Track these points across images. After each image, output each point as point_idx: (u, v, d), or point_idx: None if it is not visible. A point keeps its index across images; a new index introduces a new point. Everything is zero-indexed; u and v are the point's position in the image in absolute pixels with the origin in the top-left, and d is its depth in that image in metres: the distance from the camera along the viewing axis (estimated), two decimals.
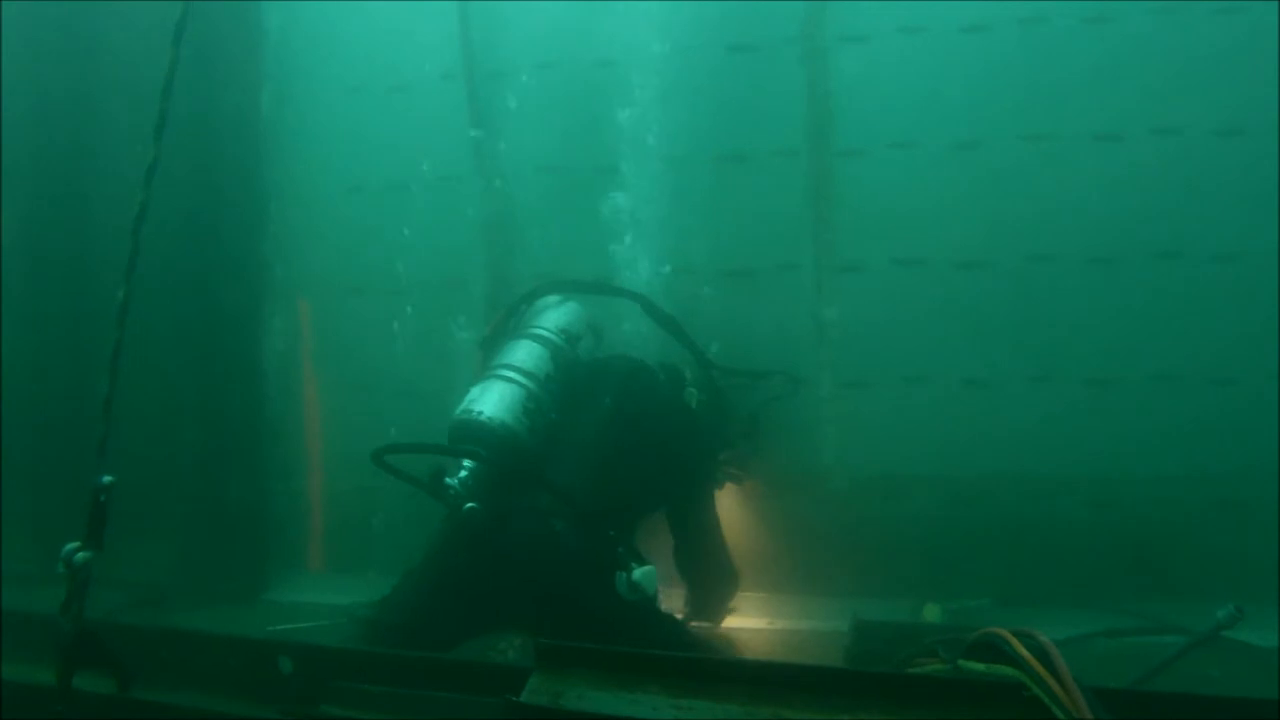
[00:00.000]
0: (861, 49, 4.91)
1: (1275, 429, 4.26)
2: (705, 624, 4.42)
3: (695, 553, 4.32)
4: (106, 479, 2.62)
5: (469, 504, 3.48)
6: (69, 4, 5.67)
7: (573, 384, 4.03)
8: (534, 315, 4.24)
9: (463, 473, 3.58)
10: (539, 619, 3.51)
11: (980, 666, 1.98)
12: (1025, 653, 1.90)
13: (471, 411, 3.71)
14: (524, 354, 3.97)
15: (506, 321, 4.28)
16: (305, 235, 5.77)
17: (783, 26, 4.99)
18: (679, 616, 4.27)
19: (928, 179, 4.80)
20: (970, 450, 4.71)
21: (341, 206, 5.70)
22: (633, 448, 3.88)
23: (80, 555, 2.58)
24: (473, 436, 3.68)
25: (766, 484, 4.88)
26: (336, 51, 5.74)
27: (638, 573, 3.43)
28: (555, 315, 4.22)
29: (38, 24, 5.73)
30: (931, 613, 4.48)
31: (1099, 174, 4.62)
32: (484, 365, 4.06)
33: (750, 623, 4.67)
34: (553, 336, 4.09)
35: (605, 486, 3.70)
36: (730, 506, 4.75)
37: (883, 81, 4.88)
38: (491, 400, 3.75)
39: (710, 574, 4.39)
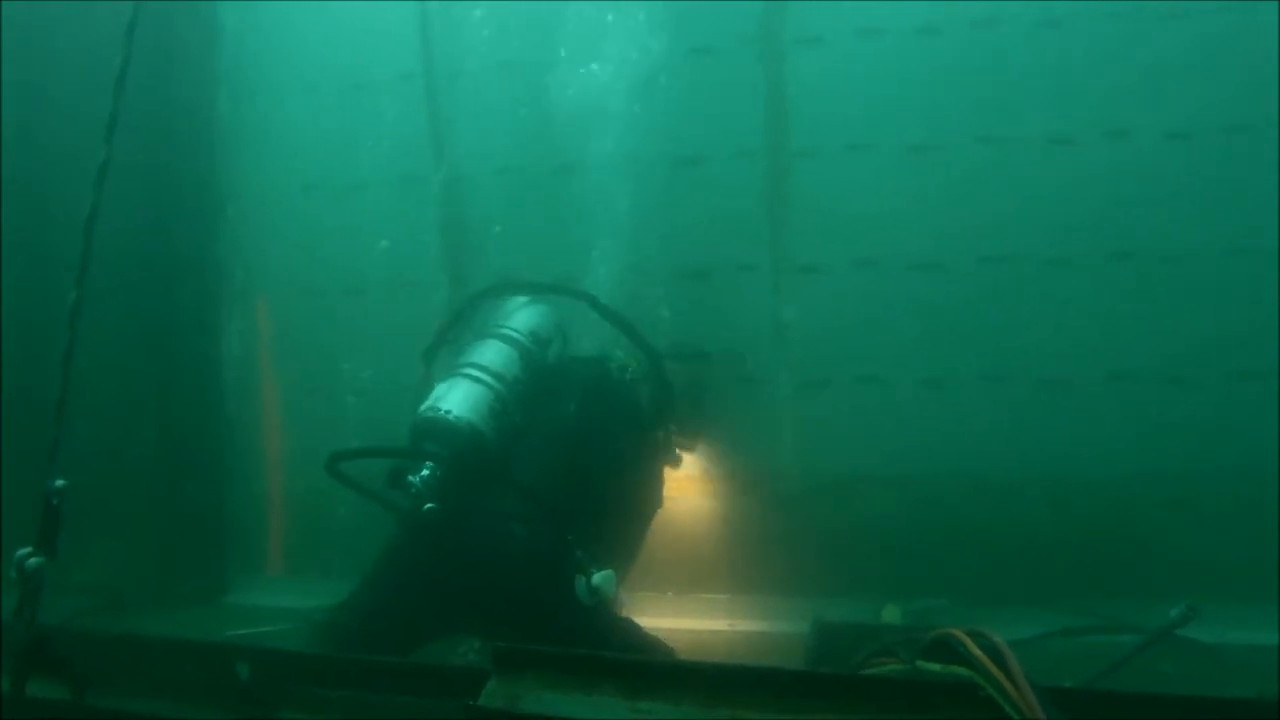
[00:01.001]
0: (818, 51, 4.94)
1: (1229, 430, 4.34)
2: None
3: (628, 521, 4.15)
4: (59, 482, 2.58)
5: (429, 504, 3.42)
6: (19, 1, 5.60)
7: (539, 387, 3.97)
8: (503, 315, 4.12)
9: (424, 471, 3.48)
10: (496, 622, 3.49)
11: (936, 667, 1.99)
12: (978, 652, 1.92)
13: (438, 409, 3.61)
14: (493, 354, 3.88)
15: (450, 329, 4.19)
16: (263, 235, 5.73)
17: (742, 27, 5.03)
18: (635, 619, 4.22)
19: (883, 181, 4.85)
20: (927, 450, 4.75)
21: (299, 206, 5.67)
22: (594, 454, 3.86)
23: (32, 560, 2.55)
24: (437, 434, 3.58)
25: (724, 484, 4.90)
26: (294, 50, 5.70)
27: (597, 577, 3.40)
28: (525, 317, 4.11)
29: None
30: (891, 613, 4.51)
31: (1052, 177, 4.67)
32: (430, 372, 4.01)
33: (711, 624, 4.68)
34: (523, 339, 4.00)
35: (566, 491, 3.66)
36: (690, 508, 4.76)
37: (839, 83, 4.93)
38: (458, 398, 3.66)
39: (629, 545, 4.18)
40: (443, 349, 4.13)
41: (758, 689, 2.03)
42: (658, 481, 4.39)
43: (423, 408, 3.66)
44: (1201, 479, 4.41)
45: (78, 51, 4.90)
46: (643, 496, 4.22)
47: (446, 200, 5.46)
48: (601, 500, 3.85)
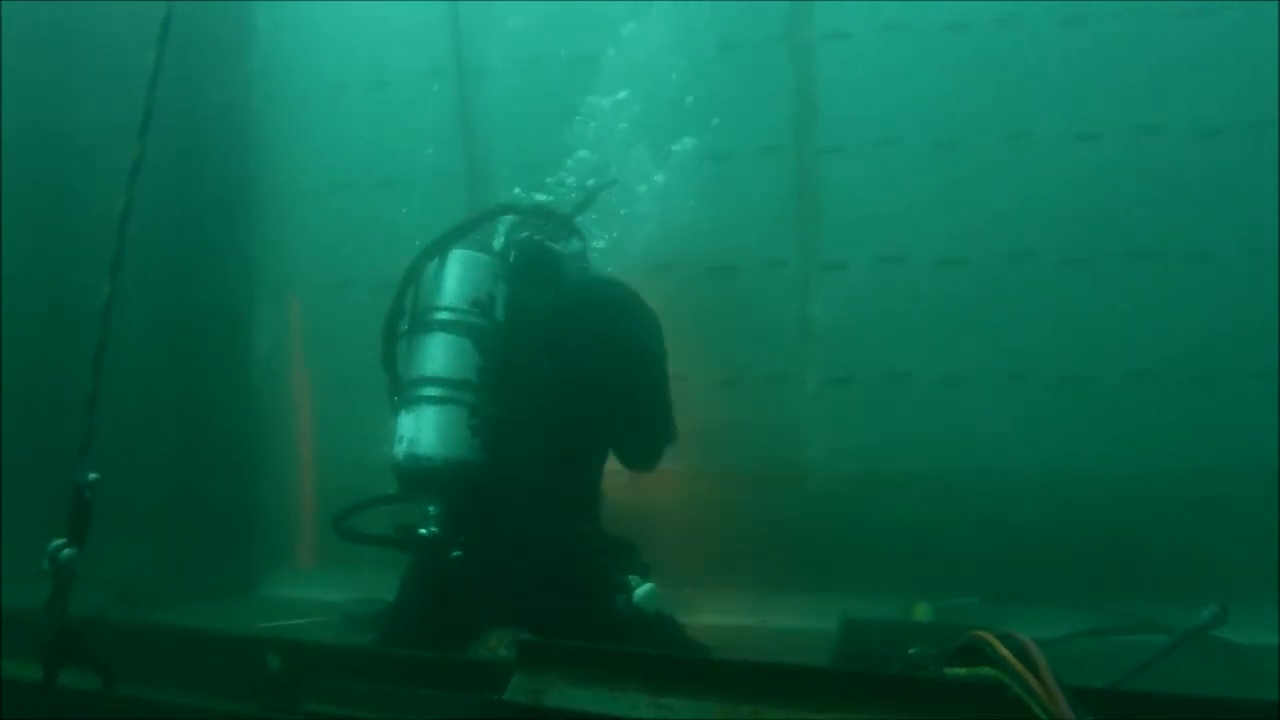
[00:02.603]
0: (844, 46, 4.93)
1: (1256, 427, 4.28)
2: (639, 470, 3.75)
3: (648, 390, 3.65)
4: (90, 476, 2.61)
5: (455, 553, 3.21)
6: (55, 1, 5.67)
7: (505, 341, 3.45)
8: (428, 295, 3.42)
9: (432, 527, 3.21)
10: (547, 620, 3.24)
11: (962, 671, 1.97)
12: (1005, 652, 1.90)
13: (416, 456, 3.22)
14: (443, 358, 3.32)
15: (403, 298, 3.47)
16: (294, 231, 5.77)
17: (769, 24, 5.03)
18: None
19: (909, 177, 4.83)
20: (953, 447, 4.74)
21: (331, 202, 5.70)
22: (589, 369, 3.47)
23: (65, 552, 2.58)
24: (423, 482, 3.25)
25: (752, 480, 4.90)
26: (325, 48, 5.74)
27: (639, 594, 3.26)
28: (453, 288, 3.40)
29: (22, 19, 5.72)
30: (922, 611, 4.48)
31: (1078, 173, 4.64)
32: (394, 363, 3.46)
33: (739, 620, 4.67)
34: (466, 318, 3.37)
35: (568, 429, 3.42)
36: (718, 504, 4.76)
37: (865, 79, 4.92)
38: (429, 436, 3.23)
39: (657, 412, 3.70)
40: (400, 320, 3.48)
41: (783, 687, 2.02)
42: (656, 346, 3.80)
43: (399, 453, 3.25)
44: (1230, 477, 4.36)
45: (112, 51, 4.97)
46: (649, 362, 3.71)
47: (474, 197, 5.48)
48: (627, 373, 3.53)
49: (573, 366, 3.45)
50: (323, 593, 5.20)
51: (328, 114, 5.75)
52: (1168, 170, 4.52)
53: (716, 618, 4.61)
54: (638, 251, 4.84)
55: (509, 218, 3.86)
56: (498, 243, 3.78)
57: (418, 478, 3.24)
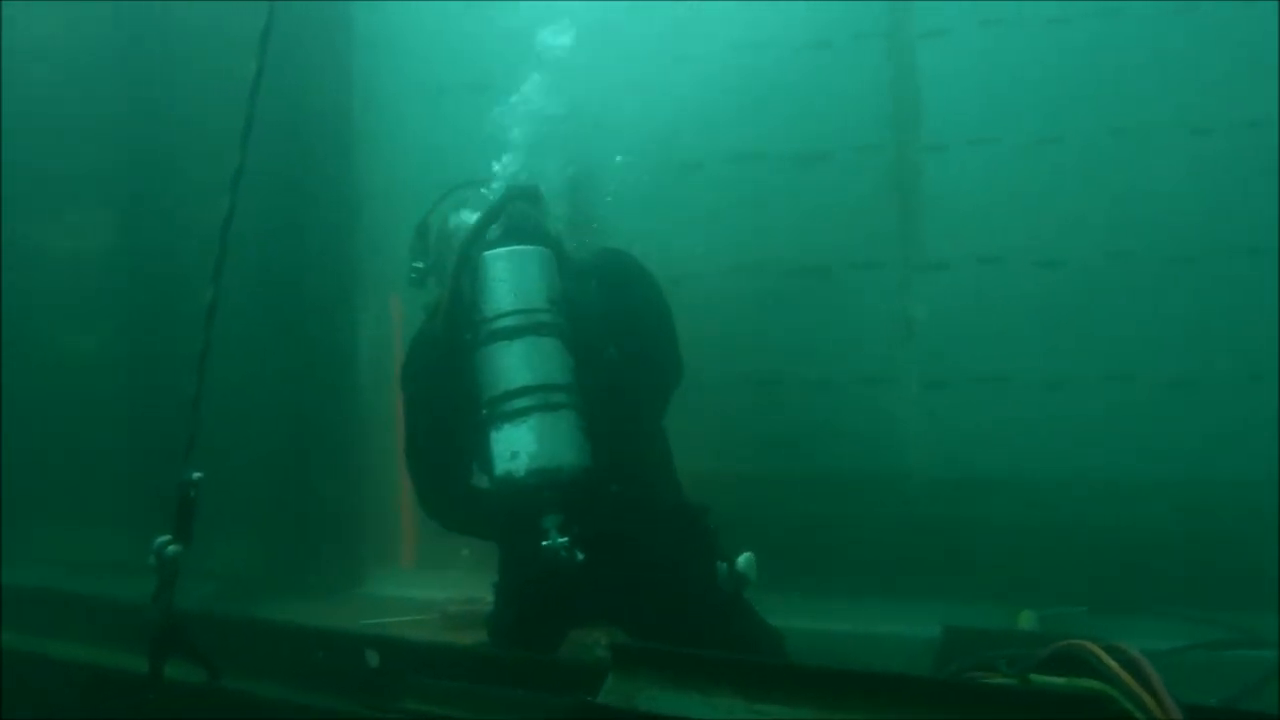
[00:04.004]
0: (943, 43, 4.85)
1: None
2: None
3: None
4: (195, 475, 2.68)
5: (579, 556, 3.03)
6: (157, 5, 5.85)
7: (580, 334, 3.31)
8: (498, 299, 3.23)
9: (563, 538, 3.03)
10: (636, 616, 3.30)
11: (1059, 680, 1.91)
12: (1113, 664, 1.84)
13: (543, 470, 3.07)
14: (542, 364, 3.15)
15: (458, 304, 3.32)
16: (398, 234, 5.85)
17: (868, 21, 4.97)
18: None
19: (1009, 175, 4.74)
20: (1055, 452, 4.63)
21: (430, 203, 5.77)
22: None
23: (170, 549, 2.65)
24: (548, 495, 3.09)
25: (851, 484, 4.84)
26: (425, 51, 5.81)
27: (741, 561, 3.17)
28: (532, 289, 3.24)
29: (125, 27, 5.92)
30: (1026, 620, 4.37)
31: (1186, 168, 4.50)
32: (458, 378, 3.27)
33: (836, 627, 4.61)
34: (550, 318, 3.23)
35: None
36: (816, 509, 4.71)
37: (965, 76, 4.83)
38: (551, 447, 3.09)
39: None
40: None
41: (879, 694, 1.99)
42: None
43: (521, 469, 3.07)
44: None
45: (213, 56, 5.11)
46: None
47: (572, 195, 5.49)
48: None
49: (629, 343, 3.40)
50: (423, 592, 5.26)
51: (427, 117, 5.81)
52: None
53: (813, 623, 4.56)
54: (731, 252, 4.83)
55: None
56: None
57: (543, 492, 3.09)
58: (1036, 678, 1.96)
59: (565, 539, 3.03)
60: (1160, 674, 1.81)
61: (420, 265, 3.70)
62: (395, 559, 5.89)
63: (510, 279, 3.24)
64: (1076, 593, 4.39)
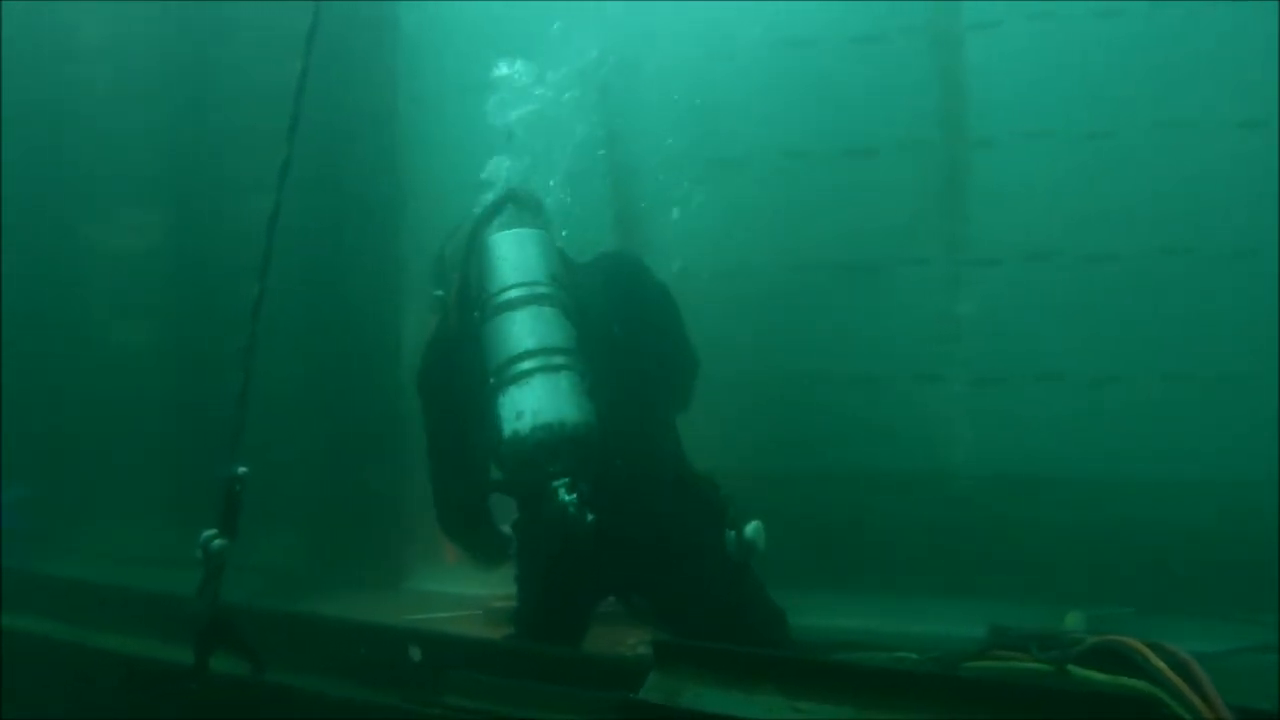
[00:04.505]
0: (992, 36, 4.80)
1: None
2: None
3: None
4: (240, 470, 2.71)
5: (590, 517, 3.10)
6: (202, 5, 5.91)
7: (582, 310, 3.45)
8: (502, 277, 3.39)
9: (571, 495, 3.11)
10: (651, 587, 3.36)
11: (1102, 677, 1.88)
12: (1161, 664, 1.80)
13: (548, 425, 3.13)
14: (543, 329, 3.27)
15: (467, 280, 3.50)
16: (439, 231, 5.88)
17: (915, 16, 4.92)
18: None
19: (1059, 169, 4.68)
20: (1106, 450, 4.56)
21: (475, 202, 5.79)
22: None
23: (216, 543, 2.68)
24: (553, 451, 3.15)
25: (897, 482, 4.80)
26: (470, 49, 5.83)
27: (750, 529, 3.16)
28: (533, 265, 3.40)
29: (171, 27, 5.99)
30: (1073, 620, 4.31)
31: (1239, 163, 4.41)
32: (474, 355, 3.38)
33: (880, 626, 4.58)
34: (551, 290, 3.36)
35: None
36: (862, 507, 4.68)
37: (1015, 69, 4.78)
38: (552, 404, 3.16)
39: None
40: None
41: (921, 692, 1.97)
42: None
43: (526, 426, 3.15)
44: None
45: (259, 55, 5.16)
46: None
47: (618, 193, 5.50)
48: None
49: (633, 329, 3.49)
50: (466, 588, 5.28)
51: (472, 115, 5.83)
52: None
53: (857, 622, 4.53)
54: (778, 249, 4.80)
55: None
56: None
57: (548, 448, 3.14)
58: (1075, 670, 1.92)
59: (573, 496, 3.08)
60: (1208, 675, 1.77)
61: (441, 294, 3.78)
62: (439, 554, 5.90)
63: (512, 256, 3.41)
64: (1126, 593, 4.32)
